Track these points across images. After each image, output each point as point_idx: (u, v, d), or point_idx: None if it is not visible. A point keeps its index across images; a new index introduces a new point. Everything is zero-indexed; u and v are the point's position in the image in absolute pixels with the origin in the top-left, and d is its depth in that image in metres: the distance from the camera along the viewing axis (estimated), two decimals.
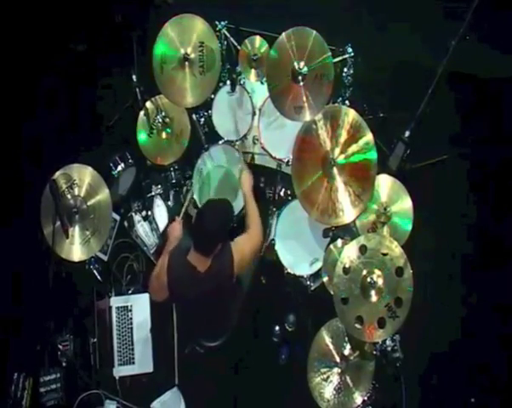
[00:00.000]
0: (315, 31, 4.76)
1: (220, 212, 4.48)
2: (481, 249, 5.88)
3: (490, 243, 5.90)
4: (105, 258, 5.76)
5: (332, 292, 4.80)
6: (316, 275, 5.42)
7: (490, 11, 5.50)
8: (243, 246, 4.63)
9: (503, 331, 5.60)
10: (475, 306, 5.72)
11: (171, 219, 5.59)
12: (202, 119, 5.66)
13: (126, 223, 5.87)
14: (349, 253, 4.65)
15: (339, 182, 4.85)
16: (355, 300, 4.61)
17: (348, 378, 4.96)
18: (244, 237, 4.76)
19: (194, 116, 5.51)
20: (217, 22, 5.43)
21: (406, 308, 4.55)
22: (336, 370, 4.99)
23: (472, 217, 5.98)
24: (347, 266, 4.63)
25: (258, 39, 5.38)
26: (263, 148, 5.57)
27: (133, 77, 5.28)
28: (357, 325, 4.58)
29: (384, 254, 4.58)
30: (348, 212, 4.85)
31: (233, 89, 5.53)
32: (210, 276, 4.43)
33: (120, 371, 5.54)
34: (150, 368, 5.55)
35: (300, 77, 4.84)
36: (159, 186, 5.87)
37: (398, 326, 4.60)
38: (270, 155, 5.54)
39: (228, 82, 5.57)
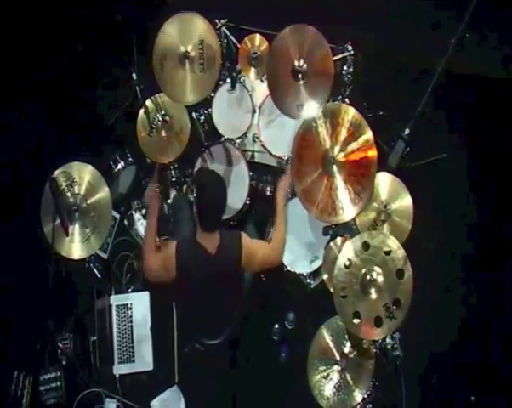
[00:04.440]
0: (313, 28, 4.79)
1: (215, 181, 4.51)
2: (481, 249, 5.88)
3: (490, 243, 5.89)
4: (105, 257, 5.78)
5: (331, 290, 4.81)
6: (316, 273, 5.42)
7: (490, 10, 5.52)
8: (256, 248, 4.66)
9: (503, 331, 5.58)
10: (475, 306, 5.71)
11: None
12: (202, 117, 5.67)
13: (126, 222, 5.89)
14: (351, 248, 4.67)
15: (339, 180, 4.84)
16: (354, 295, 4.62)
17: (348, 376, 4.96)
18: (262, 243, 4.83)
19: (194, 115, 5.49)
20: (217, 20, 5.43)
21: (404, 311, 4.55)
22: (336, 368, 4.98)
23: (472, 217, 5.98)
24: (348, 260, 4.66)
25: (258, 37, 5.40)
26: (263, 146, 5.59)
27: (133, 76, 5.28)
28: (354, 321, 4.60)
29: (387, 252, 4.59)
30: (348, 210, 4.84)
31: (233, 87, 5.54)
32: (219, 258, 4.48)
33: (120, 370, 5.53)
34: (150, 366, 5.55)
35: (300, 75, 4.86)
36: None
37: (394, 328, 4.61)
38: (270, 153, 5.57)
39: (228, 80, 5.59)
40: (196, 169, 5.58)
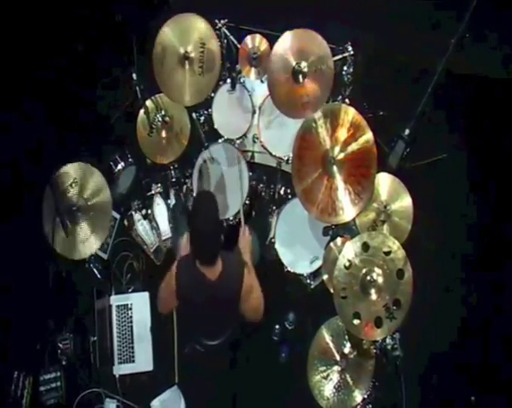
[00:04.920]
0: (313, 31, 4.81)
1: (208, 217, 4.24)
2: (481, 249, 5.88)
3: (490, 243, 5.89)
4: (105, 257, 5.79)
5: (331, 290, 4.82)
6: (316, 274, 5.44)
7: (490, 10, 5.51)
8: (254, 287, 4.52)
9: (503, 331, 5.58)
10: (475, 306, 5.71)
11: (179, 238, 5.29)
12: (202, 117, 5.68)
13: (126, 222, 5.89)
14: (351, 249, 4.68)
15: (339, 180, 4.83)
16: (354, 296, 4.63)
17: (348, 376, 4.98)
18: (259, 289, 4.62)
19: (194, 115, 5.51)
20: (217, 20, 5.42)
21: (404, 311, 4.56)
22: (336, 368, 5.00)
23: (472, 217, 5.98)
24: (348, 261, 4.67)
25: (258, 37, 5.38)
26: (263, 146, 5.58)
27: (134, 76, 5.28)
28: (354, 322, 4.61)
29: (386, 253, 4.59)
30: (348, 211, 4.83)
31: (233, 88, 5.53)
32: (219, 284, 4.35)
33: (120, 370, 5.54)
34: (150, 366, 5.56)
35: (300, 76, 4.86)
36: (159, 185, 5.91)
37: (394, 328, 4.61)
38: (270, 154, 5.56)
39: (228, 81, 5.58)
40: (195, 169, 5.57)
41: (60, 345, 5.51)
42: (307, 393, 5.00)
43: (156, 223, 5.83)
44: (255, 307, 4.56)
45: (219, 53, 5.21)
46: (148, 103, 5.59)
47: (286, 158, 5.47)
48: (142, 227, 5.81)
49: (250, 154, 5.86)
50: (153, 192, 5.90)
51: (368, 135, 4.75)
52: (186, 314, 4.87)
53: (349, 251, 4.69)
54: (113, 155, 5.89)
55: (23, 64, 6.35)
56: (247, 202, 5.56)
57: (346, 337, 5.03)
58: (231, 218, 5.52)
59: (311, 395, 4.99)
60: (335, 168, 4.83)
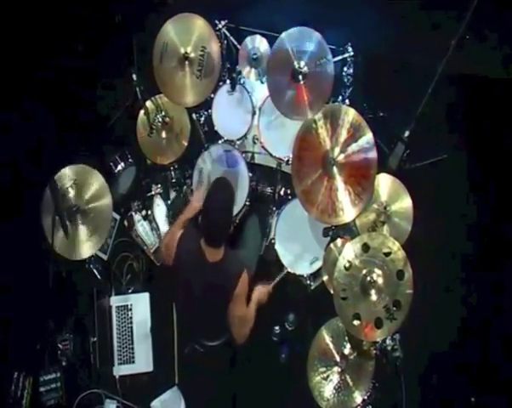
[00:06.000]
0: (312, 30, 4.83)
1: (224, 199, 4.45)
2: (481, 249, 5.87)
3: (490, 243, 5.88)
4: (105, 258, 5.78)
5: (332, 291, 4.82)
6: (316, 274, 5.43)
7: (490, 10, 5.50)
8: (243, 299, 4.59)
9: (503, 331, 5.58)
10: (475, 306, 5.71)
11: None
12: (202, 118, 5.67)
13: (126, 223, 5.89)
14: (351, 250, 4.68)
15: (339, 181, 4.84)
16: (354, 297, 4.63)
17: (348, 377, 4.97)
18: (245, 306, 4.66)
19: (194, 116, 5.51)
20: (217, 21, 5.42)
21: (404, 312, 4.56)
22: (336, 369, 5.00)
23: (472, 217, 5.97)
24: (348, 262, 4.67)
25: (258, 38, 5.38)
26: (263, 147, 5.57)
27: (134, 76, 5.27)
28: (354, 322, 4.61)
29: (386, 254, 4.59)
30: (348, 212, 4.83)
31: (233, 88, 5.53)
32: (215, 271, 4.43)
33: (120, 370, 5.55)
34: (150, 367, 5.57)
35: (300, 76, 4.86)
36: (159, 185, 5.90)
37: (395, 329, 4.61)
38: (270, 155, 5.55)
39: (228, 82, 5.58)
40: (195, 170, 5.57)
41: (60, 345, 5.52)
42: (307, 394, 5.00)
43: (156, 223, 5.82)
44: (240, 318, 4.63)
45: (219, 59, 5.21)
46: (148, 103, 5.58)
47: (286, 159, 5.45)
48: (142, 228, 5.82)
49: (250, 155, 5.85)
50: (153, 193, 5.89)
51: (368, 136, 4.76)
52: (185, 312, 4.89)
53: (349, 252, 4.69)
54: (113, 155, 5.90)
55: (23, 64, 6.33)
56: (247, 203, 5.55)
57: (346, 337, 5.02)
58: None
59: (311, 396, 4.98)
60: (335, 169, 4.83)
